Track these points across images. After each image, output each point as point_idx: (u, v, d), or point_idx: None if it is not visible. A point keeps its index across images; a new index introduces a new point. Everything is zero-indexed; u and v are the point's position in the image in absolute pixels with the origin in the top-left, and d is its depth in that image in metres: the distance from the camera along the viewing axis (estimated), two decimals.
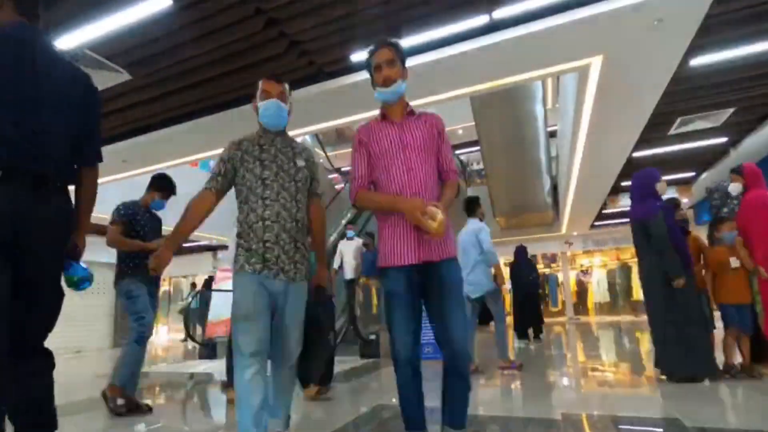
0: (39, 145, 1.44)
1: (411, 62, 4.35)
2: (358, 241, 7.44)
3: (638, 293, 13.98)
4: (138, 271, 3.19)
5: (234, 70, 4.56)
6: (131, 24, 3.74)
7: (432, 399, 1.90)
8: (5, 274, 1.36)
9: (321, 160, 13.77)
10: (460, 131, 13.10)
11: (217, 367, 5.72)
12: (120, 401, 3.06)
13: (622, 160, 7.33)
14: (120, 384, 3.08)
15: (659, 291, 3.54)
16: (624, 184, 9.91)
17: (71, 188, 1.60)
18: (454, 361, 1.76)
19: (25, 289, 1.43)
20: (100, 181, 1.72)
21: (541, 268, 14.77)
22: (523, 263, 8.63)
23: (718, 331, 3.85)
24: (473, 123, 8.16)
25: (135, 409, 3.12)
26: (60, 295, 1.54)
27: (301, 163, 2.02)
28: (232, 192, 2.03)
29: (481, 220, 4.51)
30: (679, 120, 6.64)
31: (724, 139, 7.61)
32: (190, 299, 10.15)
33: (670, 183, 9.35)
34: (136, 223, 3.36)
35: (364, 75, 4.70)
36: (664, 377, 3.58)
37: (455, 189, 1.90)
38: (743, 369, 3.62)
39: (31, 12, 1.56)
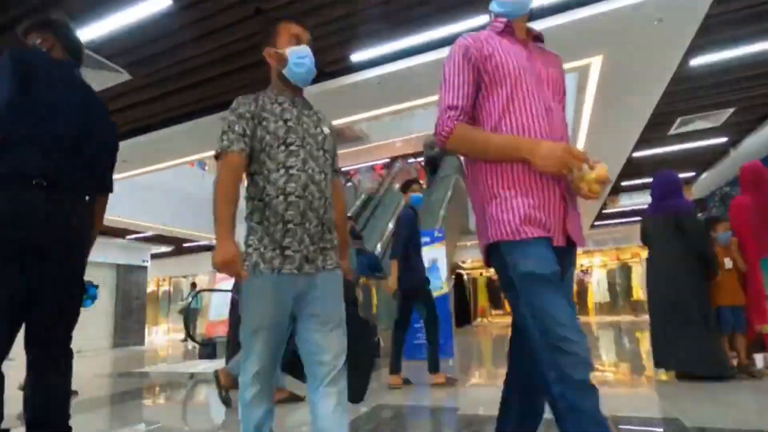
0: (77, 165, 1.64)
1: (411, 62, 4.40)
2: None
3: (638, 293, 13.99)
4: None
5: (234, 70, 4.57)
6: (131, 24, 3.74)
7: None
8: (17, 281, 1.47)
9: None
10: None
11: (216, 367, 5.71)
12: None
13: (622, 160, 7.33)
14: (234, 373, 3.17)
15: (682, 283, 3.56)
16: (624, 184, 9.91)
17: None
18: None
19: (48, 293, 1.55)
20: None
21: None
22: None
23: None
24: None
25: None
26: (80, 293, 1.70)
27: (326, 130, 1.65)
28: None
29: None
30: (679, 120, 6.64)
31: (724, 139, 7.61)
32: (190, 299, 10.16)
33: None
34: None
35: (364, 75, 4.73)
36: (664, 377, 3.58)
37: None
38: (741, 368, 3.62)
39: (77, 57, 1.83)
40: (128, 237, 11.12)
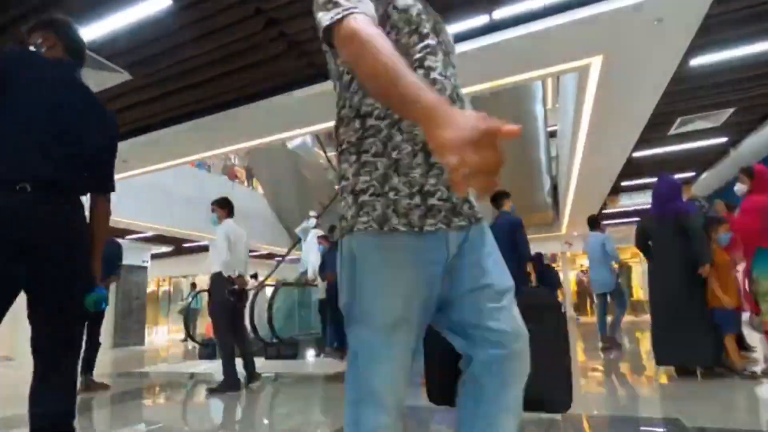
0: (76, 166, 1.63)
1: None
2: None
3: (638, 293, 13.99)
4: None
5: (234, 70, 4.56)
6: (131, 24, 3.75)
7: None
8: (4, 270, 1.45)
9: (321, 161, 13.80)
10: None
11: (216, 367, 5.71)
12: None
13: (622, 160, 7.33)
14: None
15: (682, 283, 3.59)
16: (624, 184, 9.92)
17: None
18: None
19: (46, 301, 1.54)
20: None
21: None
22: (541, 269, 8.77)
23: None
24: None
25: None
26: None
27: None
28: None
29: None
30: (679, 120, 6.65)
31: (724, 139, 7.61)
32: (190, 299, 10.16)
33: None
34: None
35: None
36: (664, 377, 3.59)
37: None
38: (730, 367, 3.61)
39: (78, 56, 1.81)
40: (128, 237, 11.12)
